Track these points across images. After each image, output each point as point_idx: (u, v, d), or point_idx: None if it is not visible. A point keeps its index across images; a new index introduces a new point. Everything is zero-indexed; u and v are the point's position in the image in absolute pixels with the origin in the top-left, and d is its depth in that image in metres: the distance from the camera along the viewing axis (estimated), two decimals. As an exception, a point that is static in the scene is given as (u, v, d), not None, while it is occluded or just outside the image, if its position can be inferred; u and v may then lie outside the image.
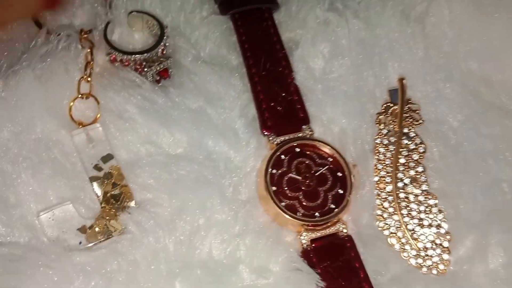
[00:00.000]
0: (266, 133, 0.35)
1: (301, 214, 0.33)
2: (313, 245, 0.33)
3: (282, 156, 0.35)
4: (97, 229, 0.33)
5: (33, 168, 0.33)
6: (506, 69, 0.37)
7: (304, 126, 0.36)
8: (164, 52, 0.37)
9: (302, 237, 0.33)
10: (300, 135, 0.35)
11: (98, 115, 0.34)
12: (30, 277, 0.30)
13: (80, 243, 0.32)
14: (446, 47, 0.38)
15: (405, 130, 0.36)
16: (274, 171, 0.34)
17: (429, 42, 0.38)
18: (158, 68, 0.36)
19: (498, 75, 0.37)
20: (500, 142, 0.35)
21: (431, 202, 0.34)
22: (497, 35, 0.38)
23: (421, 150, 0.36)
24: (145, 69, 0.36)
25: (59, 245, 0.32)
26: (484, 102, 0.37)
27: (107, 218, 0.33)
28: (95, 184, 0.34)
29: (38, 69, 0.34)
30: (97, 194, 0.34)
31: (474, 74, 0.37)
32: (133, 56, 0.36)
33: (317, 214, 0.33)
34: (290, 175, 0.34)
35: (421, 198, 0.34)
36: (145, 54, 0.36)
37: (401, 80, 0.37)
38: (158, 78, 0.36)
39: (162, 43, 0.37)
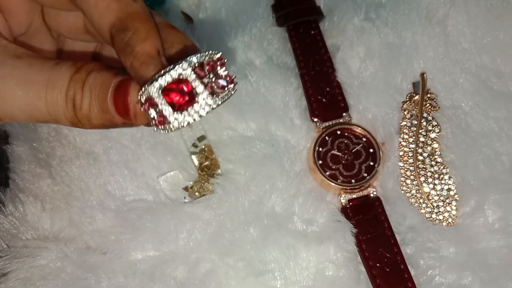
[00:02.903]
0: (314, 119, 0.38)
1: (341, 180, 0.36)
2: (350, 203, 0.36)
3: (327, 138, 0.37)
4: (195, 189, 0.37)
5: (151, 148, 0.37)
6: (514, 62, 0.37)
7: (344, 114, 0.38)
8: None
9: (341, 198, 0.36)
10: (341, 120, 0.38)
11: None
12: (157, 220, 0.35)
13: (184, 198, 0.37)
14: (464, 44, 0.38)
15: (425, 115, 0.38)
16: (320, 149, 0.37)
17: (449, 40, 0.39)
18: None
19: (507, 66, 0.38)
20: (504, 123, 0.37)
21: (444, 171, 0.37)
22: (506, 32, 0.38)
23: (437, 131, 0.37)
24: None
25: (172, 200, 0.36)
26: (494, 90, 0.38)
27: (202, 181, 0.37)
28: (193, 157, 0.38)
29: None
30: (195, 164, 0.37)
31: (487, 67, 0.38)
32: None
33: (353, 180, 0.36)
34: (333, 152, 0.37)
35: (436, 168, 0.37)
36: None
37: (422, 74, 0.38)
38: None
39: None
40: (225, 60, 0.23)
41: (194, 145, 0.38)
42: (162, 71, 0.22)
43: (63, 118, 0.24)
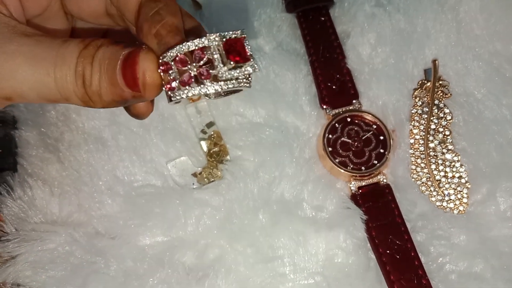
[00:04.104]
0: (324, 106, 0.38)
1: (350, 168, 0.36)
2: (360, 191, 0.36)
3: (336, 125, 0.37)
4: (204, 175, 0.37)
5: (159, 134, 0.37)
6: (527, 49, 0.37)
7: (354, 101, 0.38)
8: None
9: (351, 185, 0.36)
10: (351, 107, 0.38)
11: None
12: (166, 206, 0.35)
13: (193, 183, 0.37)
14: (476, 30, 0.38)
15: (436, 102, 0.38)
16: (330, 136, 0.37)
17: (461, 27, 0.38)
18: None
19: (520, 53, 0.37)
20: (517, 111, 0.36)
21: (455, 158, 0.36)
22: (520, 19, 0.37)
23: (448, 118, 0.37)
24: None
25: (181, 186, 0.36)
26: (506, 77, 0.37)
27: (211, 167, 0.37)
28: (202, 143, 0.38)
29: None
30: (203, 150, 0.37)
31: (499, 54, 0.38)
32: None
33: (363, 168, 0.36)
34: (343, 139, 0.37)
35: (447, 155, 0.37)
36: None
37: (434, 61, 0.38)
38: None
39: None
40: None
41: (203, 131, 0.38)
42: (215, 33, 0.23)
43: (73, 96, 0.24)
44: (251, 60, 0.23)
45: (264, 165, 0.36)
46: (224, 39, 0.23)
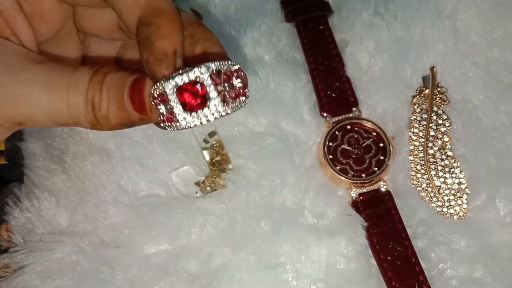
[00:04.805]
0: (324, 114, 0.38)
1: (351, 175, 0.36)
2: (361, 197, 0.36)
3: (337, 132, 0.37)
4: (206, 184, 0.37)
5: (163, 144, 0.37)
6: (524, 55, 0.37)
7: (354, 108, 0.38)
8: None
9: (352, 192, 0.36)
10: (350, 115, 0.38)
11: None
12: (170, 215, 0.35)
13: (196, 193, 0.37)
14: (473, 37, 0.38)
15: (435, 109, 0.38)
16: (330, 143, 0.37)
17: (459, 34, 0.38)
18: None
19: (517, 60, 0.37)
20: (515, 117, 0.36)
21: (454, 164, 0.37)
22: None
23: (447, 124, 0.37)
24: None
25: (184, 195, 0.37)
26: (504, 84, 0.37)
27: (213, 176, 0.37)
28: (204, 153, 0.38)
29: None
30: (206, 159, 0.38)
31: (497, 60, 0.38)
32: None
33: (363, 175, 0.36)
34: (343, 146, 0.37)
35: (446, 162, 0.37)
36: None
37: (432, 68, 0.38)
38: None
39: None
40: (242, 73, 0.24)
41: (205, 141, 0.39)
42: (181, 71, 0.23)
43: (83, 120, 0.25)
44: (203, 109, 0.23)
45: (266, 173, 0.36)
46: (179, 85, 0.23)
